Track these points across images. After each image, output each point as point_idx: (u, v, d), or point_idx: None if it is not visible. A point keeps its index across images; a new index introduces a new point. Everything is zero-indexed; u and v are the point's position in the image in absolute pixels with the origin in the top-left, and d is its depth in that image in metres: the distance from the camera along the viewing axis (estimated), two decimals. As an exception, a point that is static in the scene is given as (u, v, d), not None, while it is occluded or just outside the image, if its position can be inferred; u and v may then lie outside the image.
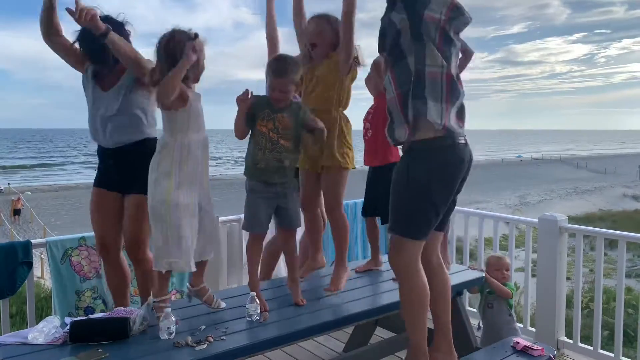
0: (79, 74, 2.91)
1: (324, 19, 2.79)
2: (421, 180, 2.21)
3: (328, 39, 2.77)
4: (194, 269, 2.39)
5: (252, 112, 2.53)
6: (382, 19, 2.35)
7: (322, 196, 3.00)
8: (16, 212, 27.85)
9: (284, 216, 2.64)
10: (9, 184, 39.00)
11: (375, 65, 3.15)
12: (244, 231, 2.93)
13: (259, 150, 2.53)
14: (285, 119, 2.51)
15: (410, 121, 2.22)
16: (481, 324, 3.24)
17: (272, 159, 2.52)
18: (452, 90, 2.24)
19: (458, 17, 2.24)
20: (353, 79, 2.84)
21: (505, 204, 34.36)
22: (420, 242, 2.29)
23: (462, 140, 2.26)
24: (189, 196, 2.37)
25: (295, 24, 2.96)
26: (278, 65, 2.51)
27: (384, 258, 3.18)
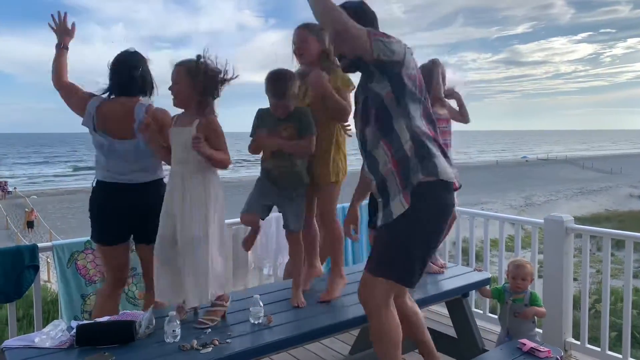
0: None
1: (306, 29, 2.77)
2: (426, 225, 2.12)
3: (313, 46, 2.74)
4: (161, 299, 2.45)
5: (256, 125, 2.58)
6: (357, 95, 2.29)
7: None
8: (29, 225, 27.23)
9: (284, 218, 2.68)
10: (15, 187, 39.16)
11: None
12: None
13: (269, 157, 2.59)
14: (290, 128, 2.54)
15: (410, 185, 2.09)
16: (509, 332, 3.03)
17: (282, 166, 2.57)
18: (437, 133, 2.22)
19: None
20: (349, 87, 2.71)
21: (510, 204, 34.25)
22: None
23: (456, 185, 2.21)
24: (165, 227, 2.39)
25: None
26: (276, 87, 2.49)
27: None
